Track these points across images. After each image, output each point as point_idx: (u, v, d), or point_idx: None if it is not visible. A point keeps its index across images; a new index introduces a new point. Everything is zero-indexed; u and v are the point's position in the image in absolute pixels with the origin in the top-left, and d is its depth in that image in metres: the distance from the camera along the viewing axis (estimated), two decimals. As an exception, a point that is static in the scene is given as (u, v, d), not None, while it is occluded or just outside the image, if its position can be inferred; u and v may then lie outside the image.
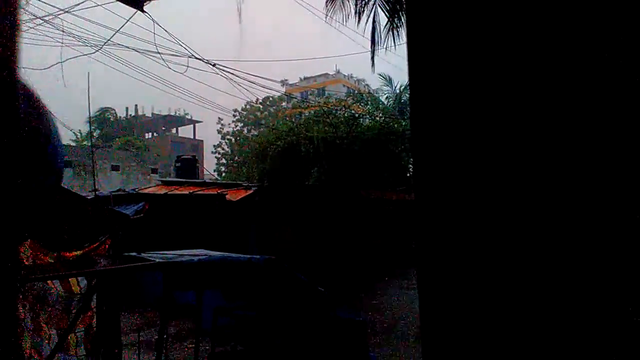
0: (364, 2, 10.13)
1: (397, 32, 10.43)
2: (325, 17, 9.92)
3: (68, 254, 3.61)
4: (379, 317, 8.29)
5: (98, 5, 5.30)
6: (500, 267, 0.82)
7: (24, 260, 3.28)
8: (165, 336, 3.22)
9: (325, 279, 9.07)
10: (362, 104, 16.78)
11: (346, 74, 45.87)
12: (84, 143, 33.08)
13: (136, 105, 48.37)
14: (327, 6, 10.04)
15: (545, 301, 0.77)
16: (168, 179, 17.46)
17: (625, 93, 0.74)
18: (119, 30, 6.26)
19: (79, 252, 3.75)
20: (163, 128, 49.09)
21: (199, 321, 3.63)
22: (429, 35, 0.95)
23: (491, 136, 0.84)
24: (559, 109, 0.77)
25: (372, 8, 10.35)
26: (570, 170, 0.76)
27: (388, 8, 10.26)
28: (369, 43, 10.69)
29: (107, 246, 3.86)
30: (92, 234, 3.65)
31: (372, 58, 10.61)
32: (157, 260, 2.67)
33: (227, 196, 10.58)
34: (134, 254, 3.06)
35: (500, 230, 0.82)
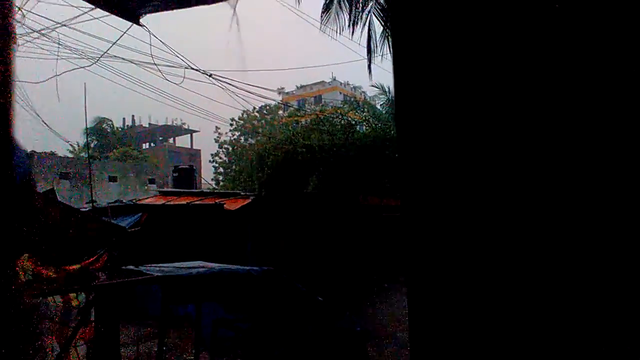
0: (358, 12, 10.20)
1: (393, 40, 10.49)
2: (320, 28, 9.99)
3: (68, 267, 3.60)
4: (379, 325, 8.26)
5: (95, 18, 5.33)
6: (486, 271, 0.83)
7: (24, 275, 3.27)
8: (164, 348, 3.20)
9: (324, 287, 9.03)
10: (358, 111, 16.83)
11: (342, 82, 46.06)
12: (81, 154, 33.04)
13: (133, 116, 48.46)
14: (322, 17, 10.12)
15: (529, 310, 0.78)
16: (166, 189, 17.44)
17: (611, 91, 0.75)
18: (115, 42, 6.29)
19: (77, 266, 3.74)
20: (160, 138, 49.09)
21: (199, 333, 3.61)
22: (415, 45, 0.96)
23: (477, 144, 0.85)
24: (536, 118, 0.79)
25: (367, 17, 10.43)
26: (554, 182, 0.77)
27: (383, 16, 10.34)
28: (365, 51, 10.76)
29: (105, 259, 3.85)
30: (90, 248, 3.64)
31: (369, 67, 10.68)
32: (155, 274, 2.66)
33: (225, 206, 10.57)
34: (131, 267, 3.05)
35: (487, 236, 0.83)
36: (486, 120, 0.84)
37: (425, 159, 0.93)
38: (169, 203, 11.11)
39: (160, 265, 3.29)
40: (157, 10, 2.94)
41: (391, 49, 1.07)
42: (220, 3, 3.14)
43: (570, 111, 0.77)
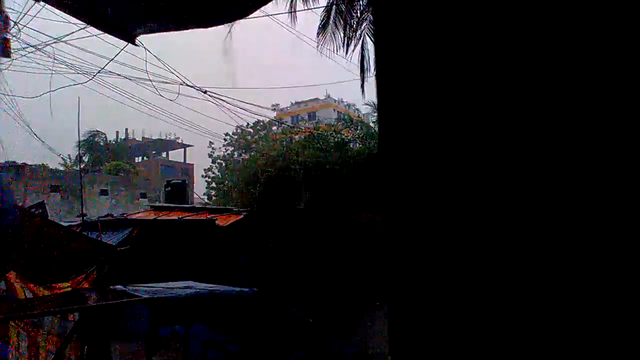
0: (352, 31, 10.36)
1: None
2: (317, 48, 10.13)
3: (58, 286, 3.55)
4: (371, 344, 8.17)
5: (92, 35, 5.35)
6: (470, 287, 0.83)
7: (19, 293, 3.22)
8: (151, 370, 3.14)
9: (316, 305, 8.95)
10: (352, 129, 16.94)
11: (336, 99, 46.41)
12: (73, 167, 32.82)
13: (126, 129, 48.32)
14: (318, 36, 10.26)
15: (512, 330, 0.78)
16: (157, 204, 17.31)
17: (589, 89, 0.76)
18: (111, 60, 6.32)
19: (67, 284, 3.69)
20: (153, 152, 48.94)
21: (187, 353, 3.56)
22: (398, 66, 0.98)
23: (459, 160, 0.86)
24: (522, 139, 0.80)
25: (361, 36, 10.60)
26: (543, 204, 0.78)
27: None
28: (359, 70, 10.90)
29: (94, 277, 3.80)
30: (77, 266, 3.59)
31: (362, 85, 10.81)
32: (144, 295, 2.63)
33: (217, 221, 10.51)
34: (120, 287, 3.01)
35: (469, 252, 0.84)
36: (467, 138, 0.86)
37: (406, 175, 0.94)
38: (160, 218, 11.03)
39: (150, 285, 3.25)
40: (152, 32, 2.97)
41: (375, 68, 1.10)
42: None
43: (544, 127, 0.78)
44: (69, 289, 3.66)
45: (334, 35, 10.15)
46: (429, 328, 0.89)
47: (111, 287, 3.13)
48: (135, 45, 3.40)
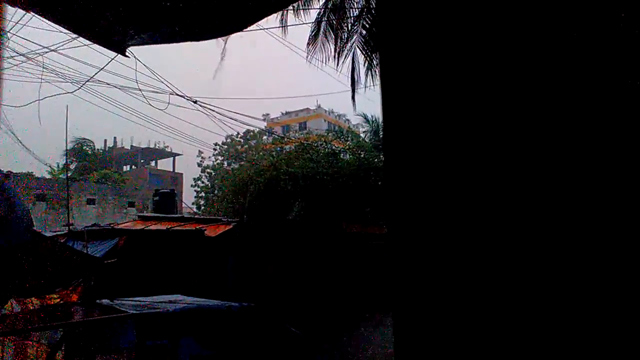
0: (343, 43, 10.45)
1: (376, 71, 10.76)
2: (307, 58, 10.19)
3: (46, 298, 3.48)
4: (362, 356, 8.12)
5: (83, 45, 5.33)
6: (473, 298, 0.83)
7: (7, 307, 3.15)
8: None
9: (308, 317, 8.89)
10: (342, 140, 17.01)
11: (327, 109, 46.63)
12: (60, 176, 32.38)
13: (115, 138, 47.91)
14: (308, 47, 10.33)
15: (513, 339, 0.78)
16: (145, 213, 17.13)
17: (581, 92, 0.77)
18: (102, 69, 6.28)
19: (55, 296, 3.62)
20: (142, 160, 48.51)
21: (174, 368, 3.49)
22: (404, 79, 0.99)
23: (462, 172, 0.87)
24: (519, 148, 0.81)
25: (352, 48, 10.69)
26: (540, 209, 0.78)
27: (366, 48, 10.61)
28: (349, 81, 10.98)
29: (81, 290, 3.73)
30: (64, 278, 3.53)
31: (353, 97, 10.88)
32: (130, 310, 2.59)
33: (206, 232, 10.41)
34: (106, 301, 2.95)
35: (472, 264, 0.84)
36: (471, 152, 0.86)
37: (410, 189, 0.94)
38: (147, 228, 10.89)
39: (137, 299, 3.20)
40: (143, 44, 2.96)
41: (379, 80, 1.11)
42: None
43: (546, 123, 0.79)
44: (57, 300, 3.60)
45: (324, 46, 10.23)
46: (433, 334, 0.89)
47: (97, 301, 3.08)
48: (126, 56, 3.38)
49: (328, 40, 10.21)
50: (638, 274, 0.70)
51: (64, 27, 3.32)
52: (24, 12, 3.63)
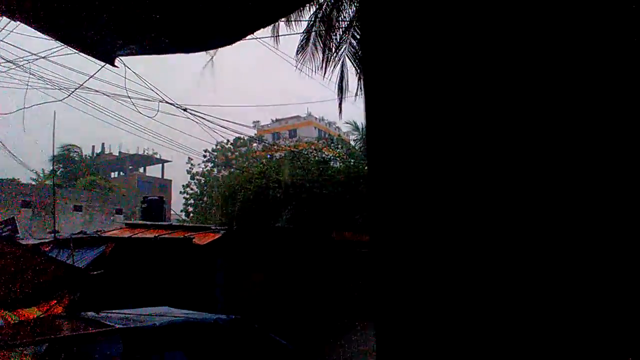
0: (331, 52, 10.52)
1: (365, 80, 10.80)
2: (296, 67, 10.24)
3: (26, 312, 3.41)
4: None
5: (74, 52, 5.28)
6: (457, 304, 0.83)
7: None
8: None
9: (297, 327, 8.82)
10: (332, 147, 17.06)
11: (317, 117, 46.76)
12: (46, 182, 31.92)
13: (103, 144, 47.42)
14: (297, 55, 10.37)
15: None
16: (133, 221, 16.94)
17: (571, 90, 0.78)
18: (91, 77, 6.23)
19: (36, 309, 3.55)
20: (130, 167, 48.04)
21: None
22: (386, 88, 1.00)
23: (446, 178, 0.87)
24: (509, 157, 0.82)
25: (341, 57, 10.76)
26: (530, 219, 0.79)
27: (356, 58, 10.69)
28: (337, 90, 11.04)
29: (66, 303, 3.66)
30: (48, 290, 3.47)
31: (340, 105, 10.93)
32: (117, 324, 2.55)
33: (194, 240, 10.33)
34: (92, 314, 2.90)
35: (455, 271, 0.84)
36: (453, 155, 0.87)
37: (390, 194, 0.95)
38: (135, 236, 10.77)
39: (123, 311, 3.15)
40: (132, 54, 2.94)
41: (362, 83, 1.11)
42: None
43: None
44: (40, 314, 3.53)
45: (313, 56, 10.30)
46: (413, 341, 0.89)
47: (83, 313, 3.02)
48: (115, 66, 3.36)
49: (317, 50, 10.27)
50: (628, 275, 0.71)
51: (51, 37, 3.30)
52: (8, 19, 3.60)
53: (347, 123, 16.94)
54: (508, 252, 0.79)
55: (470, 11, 0.88)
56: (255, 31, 2.52)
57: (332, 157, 15.81)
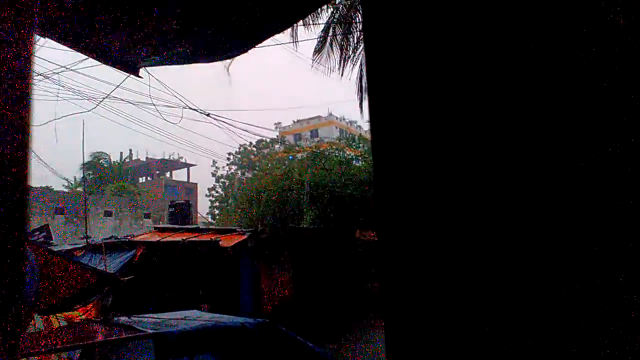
0: (348, 53, 10.53)
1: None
2: (313, 66, 10.28)
3: (70, 316, 3.56)
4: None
5: (98, 64, 5.46)
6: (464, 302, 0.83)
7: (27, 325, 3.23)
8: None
9: (322, 325, 8.85)
10: (354, 147, 16.99)
11: (338, 116, 46.69)
12: (78, 189, 32.97)
13: (130, 150, 48.58)
14: (314, 56, 10.41)
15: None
16: (161, 225, 17.32)
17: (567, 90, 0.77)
18: (117, 87, 6.42)
19: (75, 314, 3.70)
20: (157, 172, 49.10)
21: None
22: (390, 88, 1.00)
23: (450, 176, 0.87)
24: (510, 157, 0.82)
25: (359, 57, 10.74)
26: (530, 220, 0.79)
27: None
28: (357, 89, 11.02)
29: (98, 307, 3.80)
30: (82, 296, 3.60)
31: (360, 104, 10.91)
32: (149, 329, 2.63)
33: (220, 242, 10.50)
34: (124, 318, 3.00)
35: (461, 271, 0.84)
36: (457, 155, 0.87)
37: (397, 193, 0.95)
38: (164, 240, 11.02)
39: (154, 315, 3.24)
40: (155, 65, 3.03)
41: (366, 78, 1.13)
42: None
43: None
44: (79, 316, 3.67)
45: (329, 56, 10.34)
46: (422, 338, 0.89)
47: (115, 318, 3.13)
48: (139, 77, 3.45)
49: (334, 51, 10.30)
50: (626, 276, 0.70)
51: (78, 51, 3.41)
52: (39, 37, 3.74)
53: (368, 121, 16.87)
54: (514, 252, 0.79)
55: (471, 11, 0.88)
56: (275, 34, 2.55)
57: (354, 157, 15.75)
